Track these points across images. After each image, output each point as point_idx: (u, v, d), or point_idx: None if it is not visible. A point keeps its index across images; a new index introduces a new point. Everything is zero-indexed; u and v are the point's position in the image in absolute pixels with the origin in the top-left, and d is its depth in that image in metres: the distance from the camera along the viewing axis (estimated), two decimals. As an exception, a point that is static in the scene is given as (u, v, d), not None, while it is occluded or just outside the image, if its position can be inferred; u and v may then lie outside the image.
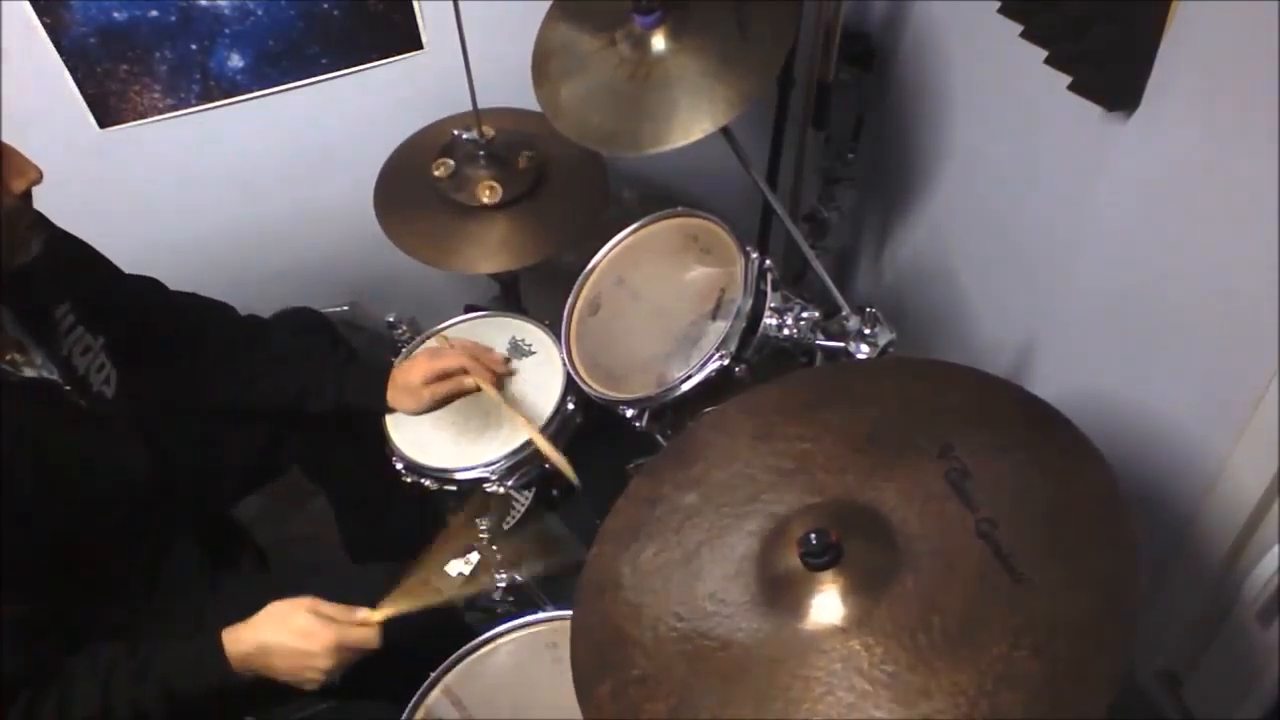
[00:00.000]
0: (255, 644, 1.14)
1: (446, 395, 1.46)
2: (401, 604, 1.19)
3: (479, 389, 1.45)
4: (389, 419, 1.48)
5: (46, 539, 1.12)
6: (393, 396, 1.46)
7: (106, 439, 1.23)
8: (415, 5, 1.74)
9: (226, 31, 1.68)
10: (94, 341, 1.25)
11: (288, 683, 1.16)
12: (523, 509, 1.99)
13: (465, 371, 1.44)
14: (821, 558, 0.84)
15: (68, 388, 1.17)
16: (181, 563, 1.33)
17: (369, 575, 1.36)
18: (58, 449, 1.14)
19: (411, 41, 1.78)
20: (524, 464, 1.42)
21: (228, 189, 1.88)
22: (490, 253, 1.60)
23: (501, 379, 1.49)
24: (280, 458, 1.59)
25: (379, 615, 1.17)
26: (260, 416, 1.49)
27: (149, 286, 1.42)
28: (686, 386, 1.29)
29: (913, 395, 1.01)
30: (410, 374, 1.44)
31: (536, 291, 1.88)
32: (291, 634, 1.14)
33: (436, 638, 1.30)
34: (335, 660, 1.14)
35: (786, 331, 1.32)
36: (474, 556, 1.91)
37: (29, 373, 1.13)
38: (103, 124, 1.71)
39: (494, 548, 1.69)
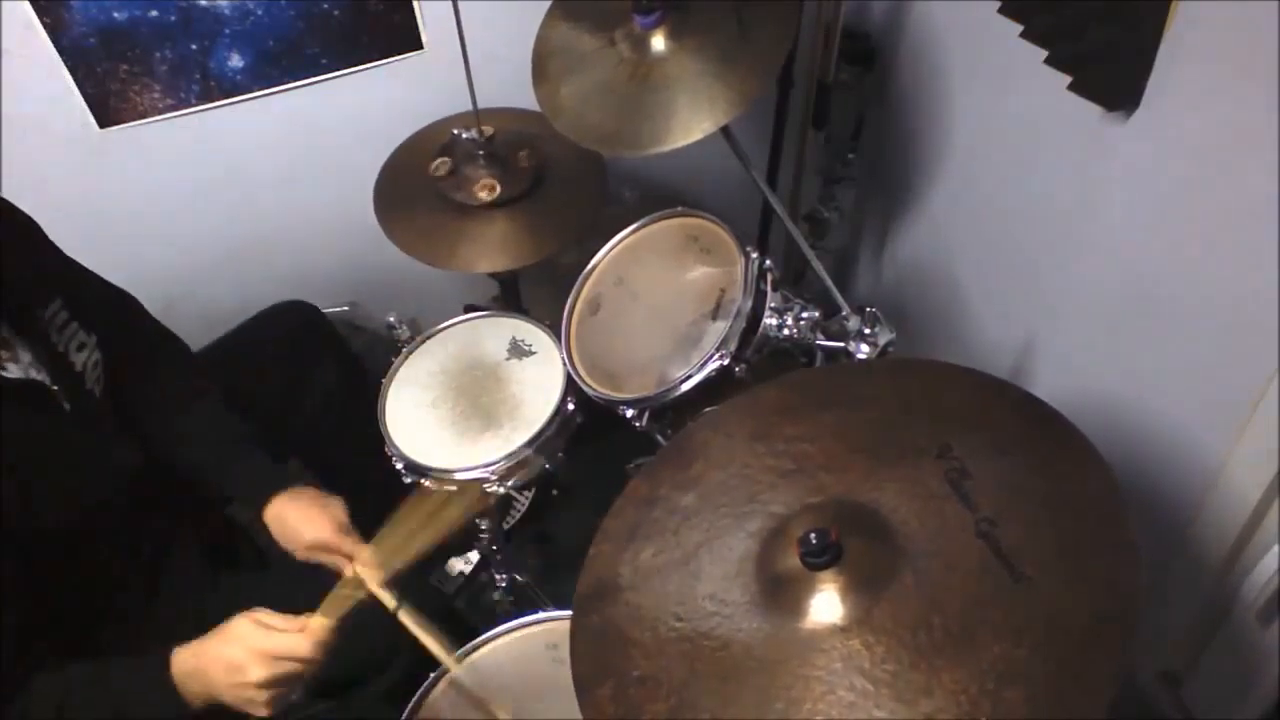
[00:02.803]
0: (195, 662, 1.07)
1: (319, 565, 1.29)
2: (333, 606, 1.12)
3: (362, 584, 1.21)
4: (388, 418, 1.48)
5: (39, 540, 1.11)
6: (278, 529, 1.32)
7: (94, 438, 1.20)
8: (415, 5, 1.74)
9: (226, 32, 1.68)
10: (88, 338, 1.24)
11: (233, 705, 1.07)
12: (523, 509, 1.99)
13: (349, 558, 1.25)
14: (821, 557, 0.84)
15: (54, 388, 1.15)
16: (182, 563, 1.32)
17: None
18: (42, 451, 1.12)
19: (411, 41, 1.78)
20: (524, 464, 1.42)
21: (228, 189, 1.88)
22: (489, 252, 1.60)
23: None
24: (277, 451, 1.58)
25: (317, 621, 1.09)
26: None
27: (122, 300, 1.38)
28: (686, 386, 1.29)
29: (912, 395, 1.01)
30: (301, 531, 1.29)
31: (536, 291, 1.88)
32: (225, 641, 1.07)
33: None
34: (267, 671, 1.05)
35: (786, 331, 1.32)
36: (474, 556, 1.92)
37: (14, 373, 1.10)
38: (103, 124, 1.71)
39: (494, 548, 1.69)
